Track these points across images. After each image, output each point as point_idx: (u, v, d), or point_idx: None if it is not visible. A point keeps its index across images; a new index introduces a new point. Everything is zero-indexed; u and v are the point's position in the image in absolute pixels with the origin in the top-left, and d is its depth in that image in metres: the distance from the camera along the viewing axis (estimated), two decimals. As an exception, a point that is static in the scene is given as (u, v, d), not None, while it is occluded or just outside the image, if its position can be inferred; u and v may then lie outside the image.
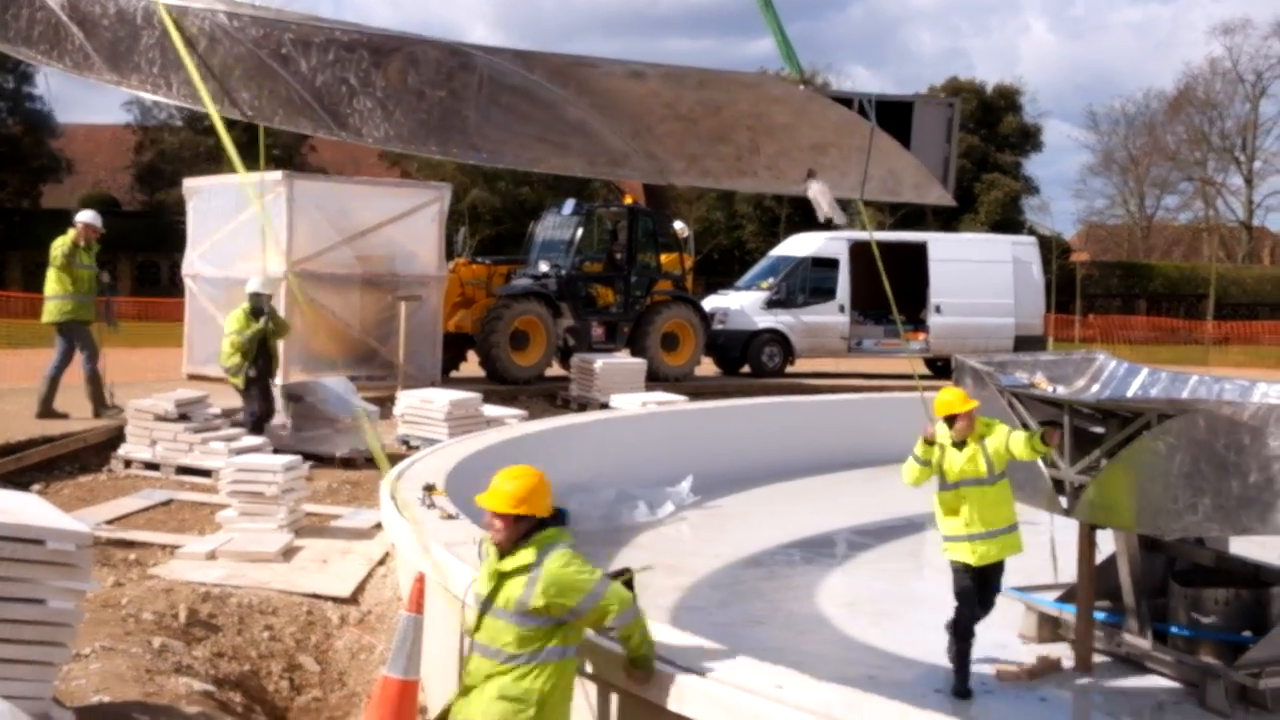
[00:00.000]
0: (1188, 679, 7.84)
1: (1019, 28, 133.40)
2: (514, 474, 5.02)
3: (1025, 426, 8.16)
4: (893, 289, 10.04)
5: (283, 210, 17.13)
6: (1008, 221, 49.69)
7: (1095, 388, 10.35)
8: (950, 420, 7.84)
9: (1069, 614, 8.54)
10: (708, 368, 24.18)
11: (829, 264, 25.83)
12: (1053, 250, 42.43)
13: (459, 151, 6.46)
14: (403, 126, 6.12)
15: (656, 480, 13.43)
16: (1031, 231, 47.13)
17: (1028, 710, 7.66)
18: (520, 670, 4.85)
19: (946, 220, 45.97)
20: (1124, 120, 70.90)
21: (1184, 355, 36.22)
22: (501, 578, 4.94)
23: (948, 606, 7.89)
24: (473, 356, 20.55)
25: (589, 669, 5.34)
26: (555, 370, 20.93)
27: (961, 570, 7.84)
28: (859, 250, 25.30)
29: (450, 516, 7.81)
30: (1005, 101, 55.85)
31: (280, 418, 13.95)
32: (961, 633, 7.73)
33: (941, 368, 24.57)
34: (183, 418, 12.71)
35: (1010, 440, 7.77)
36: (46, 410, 13.83)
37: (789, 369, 25.03)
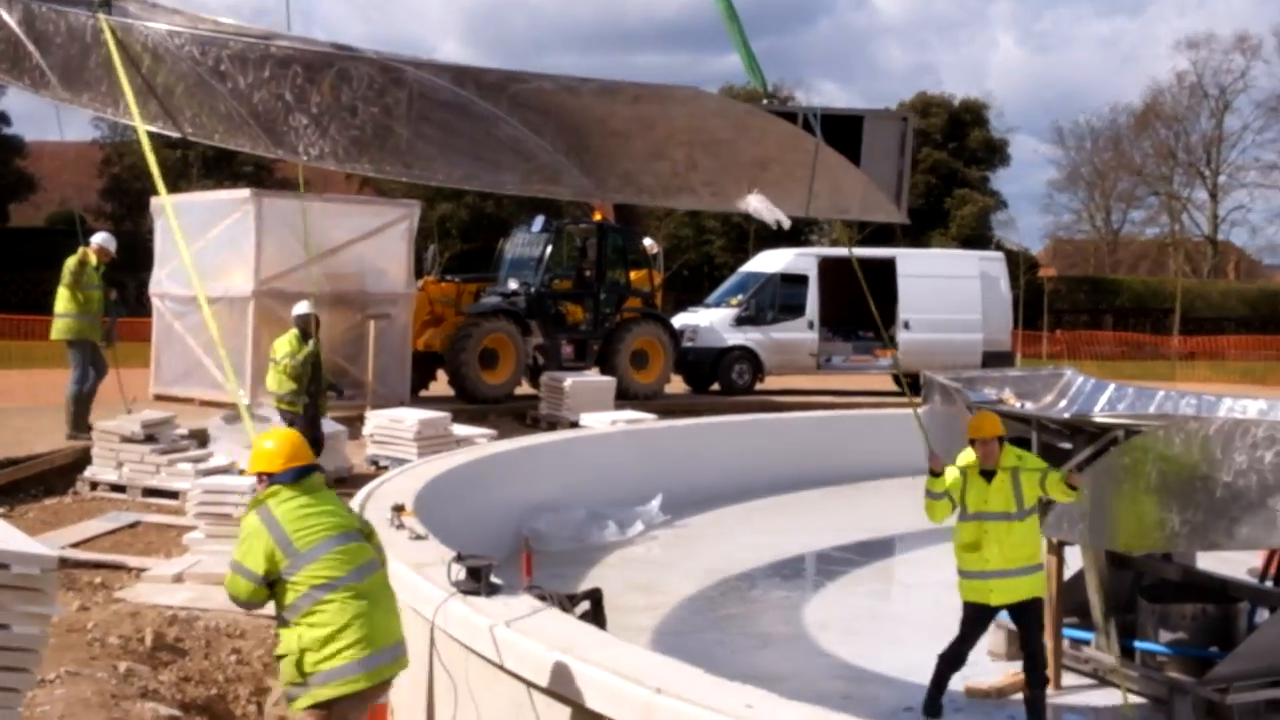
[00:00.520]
0: (1155, 695, 7.87)
1: (987, 42, 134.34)
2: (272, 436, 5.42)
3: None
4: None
5: (251, 228, 17.05)
6: (977, 237, 49.86)
7: (1063, 403, 10.44)
8: (971, 443, 7.48)
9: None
10: (677, 385, 24.16)
11: (798, 280, 25.84)
12: (1020, 265, 42.58)
13: (392, 169, 6.33)
14: (337, 144, 6.01)
15: (626, 499, 13.42)
16: (999, 246, 47.36)
17: (997, 727, 7.67)
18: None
19: (916, 235, 46.11)
20: (1090, 135, 71.53)
21: (1150, 370, 36.40)
22: None
23: (918, 623, 7.87)
24: (442, 375, 20.43)
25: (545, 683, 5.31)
26: (525, 389, 20.87)
27: (975, 606, 7.48)
28: (828, 266, 25.36)
29: (419, 537, 7.77)
30: (972, 116, 56.07)
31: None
32: (951, 660, 7.60)
33: (910, 384, 24.50)
34: (149, 439, 12.61)
35: (1049, 482, 7.34)
36: (80, 427, 13.63)
37: (758, 386, 25.05)
